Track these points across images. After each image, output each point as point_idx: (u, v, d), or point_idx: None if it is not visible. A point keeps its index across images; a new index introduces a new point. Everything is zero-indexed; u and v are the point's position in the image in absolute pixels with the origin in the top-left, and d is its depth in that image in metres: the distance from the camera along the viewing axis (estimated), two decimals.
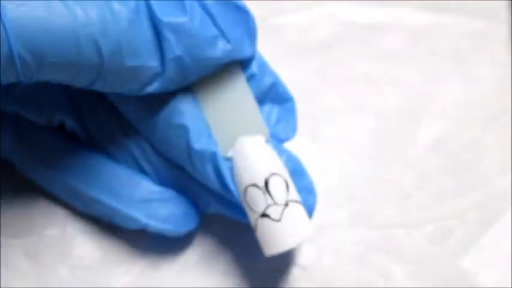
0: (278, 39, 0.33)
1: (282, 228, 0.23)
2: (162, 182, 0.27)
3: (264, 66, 0.25)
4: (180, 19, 0.22)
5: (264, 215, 0.23)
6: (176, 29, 0.22)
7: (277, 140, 0.25)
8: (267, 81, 0.25)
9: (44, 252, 0.27)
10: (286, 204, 0.23)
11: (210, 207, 0.26)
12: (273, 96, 0.25)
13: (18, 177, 0.28)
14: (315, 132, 0.31)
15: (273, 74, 0.25)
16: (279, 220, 0.23)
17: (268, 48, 0.28)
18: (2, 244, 0.27)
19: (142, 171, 0.27)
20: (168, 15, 0.22)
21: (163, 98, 0.24)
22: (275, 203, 0.23)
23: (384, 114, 0.31)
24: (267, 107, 0.25)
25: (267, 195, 0.23)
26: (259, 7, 0.34)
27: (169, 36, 0.22)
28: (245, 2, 0.24)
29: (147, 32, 0.22)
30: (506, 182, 0.29)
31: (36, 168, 0.27)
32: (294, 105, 0.25)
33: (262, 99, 0.25)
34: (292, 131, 0.25)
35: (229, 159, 0.24)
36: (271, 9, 0.34)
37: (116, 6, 0.21)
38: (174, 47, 0.22)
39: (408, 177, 0.30)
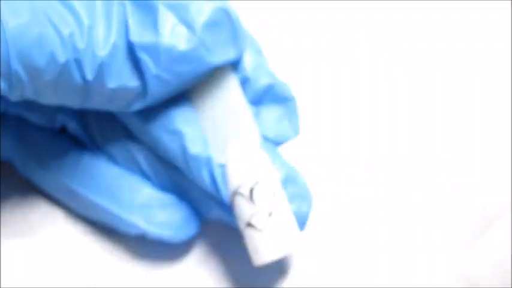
0: (277, 38, 0.33)
1: (265, 239, 0.22)
2: (163, 187, 0.26)
3: (259, 67, 0.25)
4: (152, 40, 0.22)
5: (249, 225, 0.23)
6: (149, 49, 0.22)
7: (276, 141, 0.25)
8: (263, 82, 0.24)
9: (45, 253, 0.27)
10: (271, 214, 0.23)
11: (211, 213, 0.26)
12: (272, 96, 0.25)
13: (19, 177, 0.28)
14: (314, 132, 0.31)
15: (269, 74, 0.25)
16: (262, 230, 0.22)
17: (268, 48, 0.28)
18: (2, 244, 0.27)
19: (144, 176, 0.27)
20: (141, 36, 0.22)
21: (159, 104, 0.24)
22: (259, 212, 0.23)
23: (384, 113, 0.31)
24: (267, 108, 0.25)
25: (251, 204, 0.23)
26: (259, 7, 0.34)
27: (143, 57, 0.22)
28: (244, 2, 0.24)
29: (126, 53, 0.22)
30: (506, 182, 0.29)
31: (37, 171, 0.27)
32: (295, 104, 0.25)
33: (259, 100, 0.25)
34: (294, 130, 0.25)
35: (223, 165, 0.24)
36: (270, 9, 0.34)
37: (102, 30, 0.22)
38: (150, 67, 0.22)
39: (408, 177, 0.30)
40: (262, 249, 0.22)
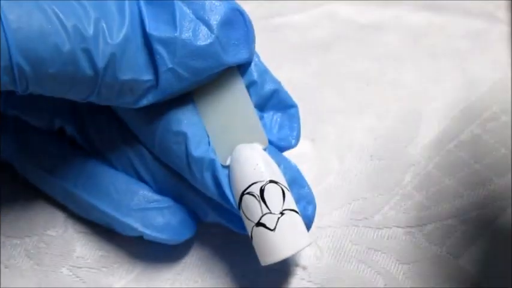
0: (278, 39, 0.33)
1: (276, 238, 0.23)
2: (160, 190, 0.26)
3: (264, 73, 0.25)
4: (170, 34, 0.22)
5: (260, 224, 0.23)
6: (166, 43, 0.22)
7: (278, 147, 0.25)
8: (268, 88, 0.25)
9: (45, 253, 0.27)
10: (282, 213, 0.23)
11: (209, 217, 0.26)
12: (275, 103, 0.25)
13: (20, 178, 0.28)
14: (315, 132, 0.31)
15: (274, 80, 0.25)
16: (273, 229, 0.23)
17: (268, 48, 0.28)
18: (3, 244, 0.27)
19: (141, 179, 0.27)
20: (158, 29, 0.22)
21: (163, 105, 0.24)
22: (270, 212, 0.23)
23: (384, 114, 0.31)
24: (270, 114, 0.25)
25: (262, 204, 0.23)
26: (260, 7, 0.34)
27: (160, 50, 0.22)
28: (244, 2, 0.24)
29: (140, 46, 0.22)
30: (506, 182, 0.29)
31: (36, 173, 0.27)
32: (298, 112, 0.25)
33: (263, 106, 0.25)
34: (295, 138, 0.25)
35: (227, 167, 0.24)
36: (271, 9, 0.34)
37: (113, 22, 0.22)
38: (166, 60, 0.22)
39: (408, 177, 0.30)
40: (273, 248, 0.23)
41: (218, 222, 0.26)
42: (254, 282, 0.27)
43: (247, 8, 0.24)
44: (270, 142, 0.25)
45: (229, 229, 0.27)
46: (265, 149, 0.24)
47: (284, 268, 0.27)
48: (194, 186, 0.25)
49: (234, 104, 0.24)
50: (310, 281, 0.27)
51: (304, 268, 0.27)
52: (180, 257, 0.28)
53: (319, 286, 0.27)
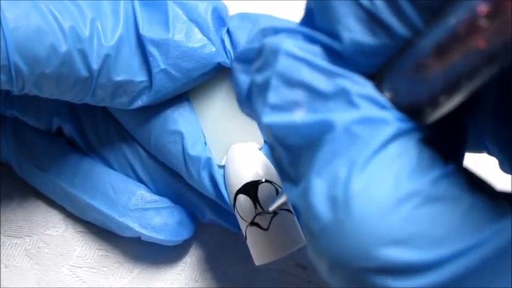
0: None
1: (269, 238, 0.22)
2: (158, 190, 0.26)
3: None
4: (162, 35, 0.22)
5: (253, 224, 0.23)
6: (159, 44, 0.22)
7: None
8: None
9: (45, 252, 0.27)
10: (275, 213, 0.23)
11: (207, 217, 0.26)
12: None
13: (20, 178, 0.28)
14: None
15: None
16: (266, 229, 0.23)
17: None
18: (3, 244, 0.27)
19: (139, 180, 0.27)
20: (151, 31, 0.22)
21: (159, 105, 0.24)
22: (263, 211, 0.23)
23: None
24: None
25: (256, 203, 0.23)
26: (260, 7, 0.34)
27: (152, 51, 0.22)
28: (245, 3, 0.24)
29: (134, 48, 0.23)
30: (506, 182, 0.29)
31: (33, 172, 0.27)
32: None
33: None
34: None
35: (223, 167, 0.24)
36: (270, 9, 0.34)
37: (108, 23, 0.22)
38: (159, 62, 0.22)
39: None
40: (266, 248, 0.23)
41: (216, 223, 0.26)
42: (254, 282, 0.27)
43: (248, 8, 0.24)
44: (266, 141, 0.25)
45: (228, 229, 0.27)
46: (260, 149, 0.24)
47: (284, 268, 0.27)
48: (192, 186, 0.25)
49: (229, 103, 0.24)
50: (310, 281, 0.27)
51: (304, 268, 0.27)
52: (179, 257, 0.28)
53: (319, 286, 0.27)
